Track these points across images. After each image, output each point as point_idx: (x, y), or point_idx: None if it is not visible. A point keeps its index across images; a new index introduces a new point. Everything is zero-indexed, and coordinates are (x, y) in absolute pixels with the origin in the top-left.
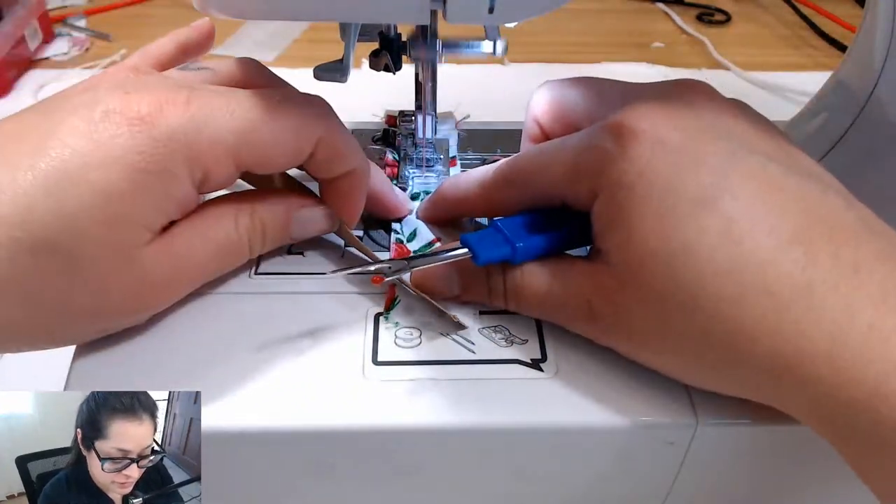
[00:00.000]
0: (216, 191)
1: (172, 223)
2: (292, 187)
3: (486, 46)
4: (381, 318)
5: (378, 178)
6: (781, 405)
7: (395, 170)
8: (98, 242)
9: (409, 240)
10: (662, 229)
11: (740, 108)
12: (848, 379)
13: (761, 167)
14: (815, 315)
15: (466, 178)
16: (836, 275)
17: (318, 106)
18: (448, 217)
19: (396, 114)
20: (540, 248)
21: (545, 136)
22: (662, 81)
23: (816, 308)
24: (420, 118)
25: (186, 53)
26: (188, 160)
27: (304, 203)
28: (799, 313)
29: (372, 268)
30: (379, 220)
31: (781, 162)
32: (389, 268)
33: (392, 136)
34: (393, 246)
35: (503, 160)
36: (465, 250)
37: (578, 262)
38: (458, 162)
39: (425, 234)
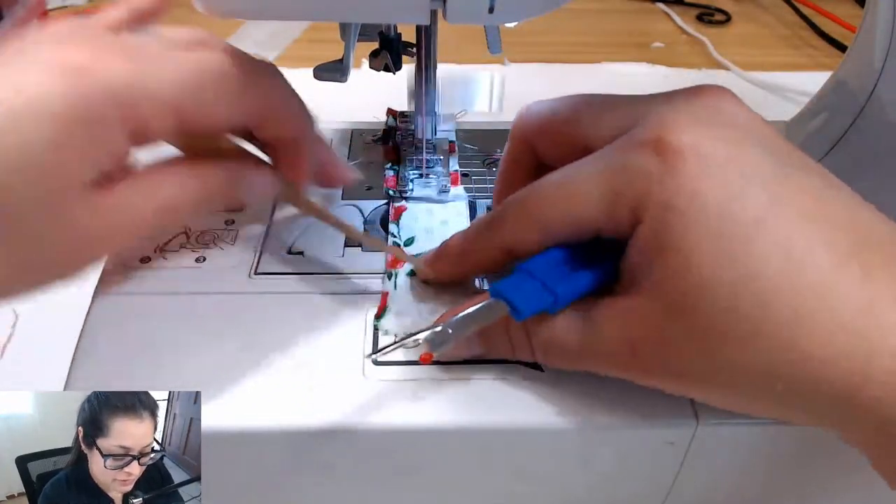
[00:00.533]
0: (154, 143)
1: (113, 178)
2: (240, 155)
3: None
4: (375, 327)
5: (321, 148)
6: (845, 430)
7: (395, 182)
8: (26, 195)
9: (407, 244)
10: (721, 254)
11: (759, 117)
12: None
13: (805, 179)
14: (880, 333)
15: (474, 226)
16: (892, 289)
17: (267, 69)
18: (459, 273)
19: (398, 113)
20: (580, 290)
21: (535, 160)
22: (680, 89)
23: (881, 326)
24: (419, 119)
25: (140, 21)
26: (124, 112)
27: (253, 167)
28: (864, 333)
29: (410, 340)
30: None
31: (817, 174)
32: (432, 340)
33: (392, 135)
34: (388, 257)
35: (511, 198)
36: (501, 303)
37: (609, 301)
38: (460, 177)
39: (424, 242)
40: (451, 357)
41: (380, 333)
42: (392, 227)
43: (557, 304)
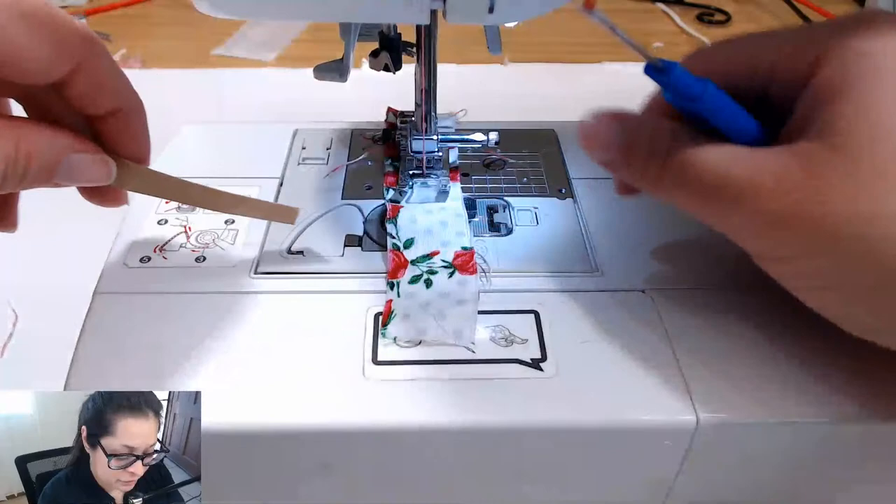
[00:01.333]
0: None
1: None
2: (73, 128)
3: (479, 136)
4: (380, 335)
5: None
6: None
7: (395, 180)
8: None
9: (406, 246)
10: None
11: None
12: None
13: None
14: None
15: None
16: None
17: (86, 31)
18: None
19: (399, 112)
20: (730, 107)
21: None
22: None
23: None
24: (419, 140)
25: None
26: None
27: (81, 145)
28: None
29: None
30: None
31: None
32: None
33: (392, 134)
34: (389, 254)
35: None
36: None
37: (766, 148)
38: (459, 175)
39: (423, 244)
40: (590, 146)
41: (385, 341)
42: (389, 227)
43: (707, 91)
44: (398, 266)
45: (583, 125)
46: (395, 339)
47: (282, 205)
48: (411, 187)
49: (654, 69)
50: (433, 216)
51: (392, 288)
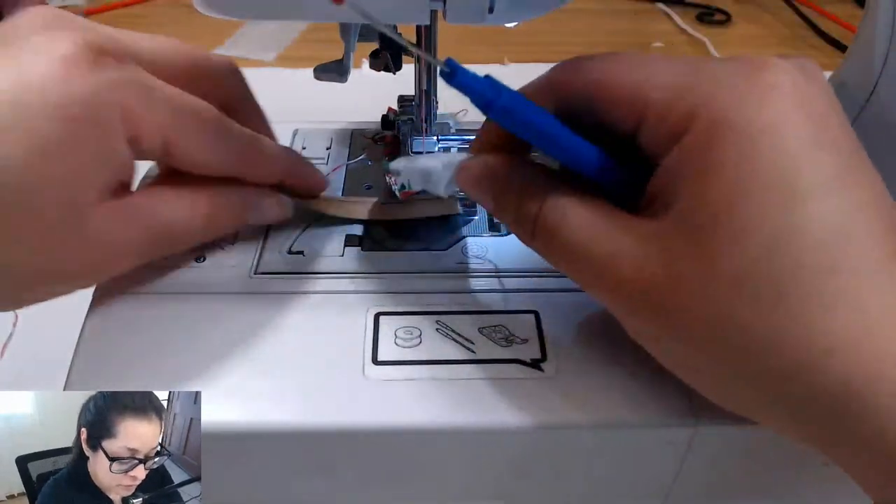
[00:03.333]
0: (142, 159)
1: (125, 191)
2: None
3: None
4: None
5: (286, 154)
6: (833, 444)
7: (394, 148)
8: (44, 199)
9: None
10: (774, 200)
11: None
12: None
13: (873, 176)
14: None
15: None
16: None
17: (251, 139)
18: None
19: (400, 99)
20: (552, 128)
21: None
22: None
23: None
24: (420, 140)
25: None
26: (124, 118)
27: (260, 192)
28: (885, 336)
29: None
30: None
31: (876, 177)
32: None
33: (393, 125)
34: (399, 195)
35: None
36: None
37: (632, 217)
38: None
39: (416, 180)
40: (470, 194)
41: (389, 179)
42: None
43: (499, 99)
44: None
45: (462, 165)
46: (398, 172)
47: (440, 199)
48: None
49: (443, 74)
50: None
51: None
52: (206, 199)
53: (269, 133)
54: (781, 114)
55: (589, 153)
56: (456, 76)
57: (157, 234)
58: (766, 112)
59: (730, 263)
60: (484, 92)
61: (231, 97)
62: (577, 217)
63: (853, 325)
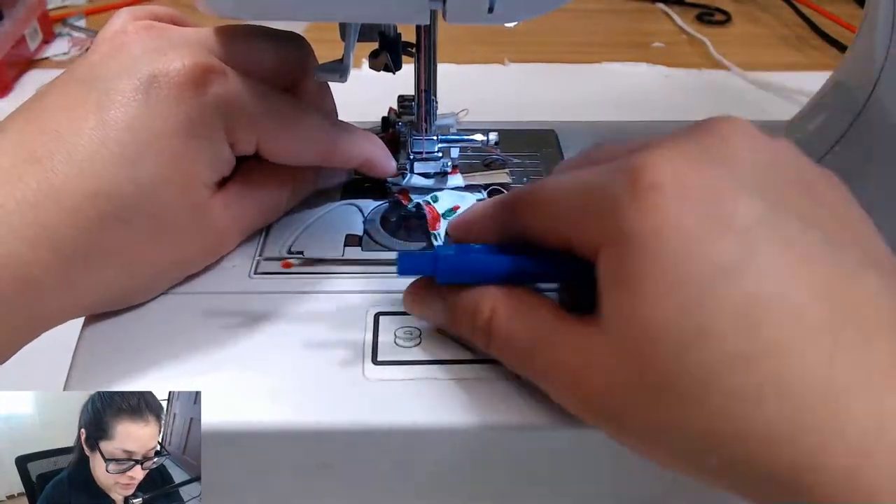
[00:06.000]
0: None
1: (225, 181)
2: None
3: (479, 136)
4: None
5: (370, 142)
6: None
7: (394, 148)
8: (174, 204)
9: (434, 201)
10: (675, 303)
11: (783, 150)
12: None
13: (797, 235)
14: (840, 424)
15: (488, 201)
16: (864, 375)
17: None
18: (467, 239)
19: (400, 98)
20: (485, 274)
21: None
22: (697, 122)
23: (842, 415)
24: (420, 140)
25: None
26: (226, 128)
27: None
28: (820, 421)
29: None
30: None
31: (821, 227)
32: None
33: (392, 123)
34: (426, 208)
35: (529, 184)
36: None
37: (577, 324)
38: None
39: (447, 200)
40: (420, 315)
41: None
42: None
43: (437, 271)
44: (434, 219)
45: (408, 291)
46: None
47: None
48: (411, 162)
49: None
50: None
51: (433, 239)
52: (289, 178)
53: (330, 101)
54: (661, 213)
55: (538, 269)
56: (401, 269)
57: (255, 213)
58: (647, 218)
59: (652, 371)
60: (424, 268)
61: (306, 72)
62: (525, 326)
63: (784, 415)
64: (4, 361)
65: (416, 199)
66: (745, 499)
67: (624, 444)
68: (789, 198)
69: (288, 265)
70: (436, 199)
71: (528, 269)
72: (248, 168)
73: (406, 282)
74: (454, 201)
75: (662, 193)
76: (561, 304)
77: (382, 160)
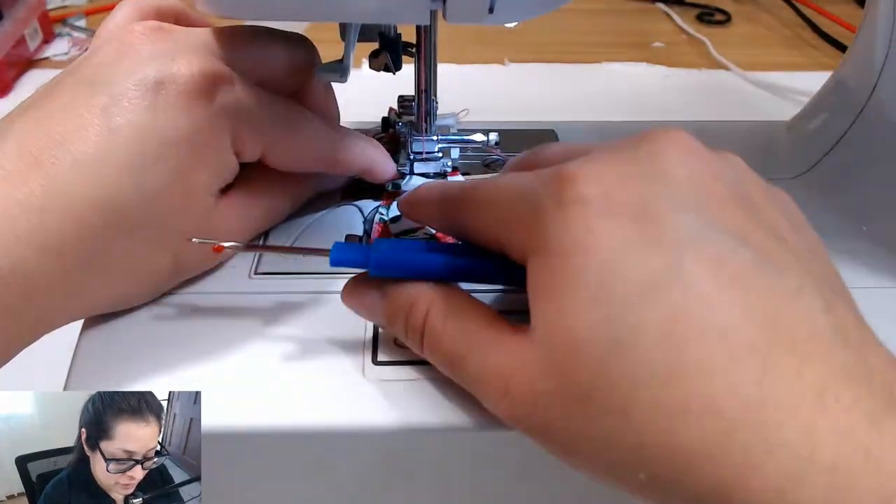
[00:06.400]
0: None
1: (227, 187)
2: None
3: (479, 136)
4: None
5: (371, 148)
6: None
7: (394, 148)
8: (177, 214)
9: (393, 222)
10: (596, 316)
11: (725, 166)
12: None
13: (729, 253)
14: (769, 445)
15: (436, 186)
16: (796, 397)
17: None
18: (413, 220)
19: (400, 99)
20: (419, 270)
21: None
22: (639, 133)
23: (771, 436)
24: (420, 140)
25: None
26: (232, 137)
27: (378, 151)
28: (749, 440)
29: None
30: (367, 185)
31: (757, 245)
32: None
33: (392, 123)
34: (376, 226)
35: (474, 179)
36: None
37: (509, 331)
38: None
39: (409, 222)
40: (355, 310)
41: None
42: (381, 207)
43: (369, 265)
44: (384, 234)
45: (348, 285)
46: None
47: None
48: (411, 163)
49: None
50: None
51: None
52: (291, 183)
53: (334, 103)
54: (585, 227)
55: (473, 270)
56: (334, 259)
57: (257, 219)
58: (571, 229)
59: (576, 382)
60: (358, 260)
61: (313, 74)
62: (458, 328)
63: (711, 433)
64: (3, 365)
65: (378, 216)
66: None
67: (556, 457)
68: (725, 215)
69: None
70: (399, 219)
71: (463, 269)
72: (249, 174)
73: None
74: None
75: (588, 206)
76: (500, 310)
77: (382, 167)
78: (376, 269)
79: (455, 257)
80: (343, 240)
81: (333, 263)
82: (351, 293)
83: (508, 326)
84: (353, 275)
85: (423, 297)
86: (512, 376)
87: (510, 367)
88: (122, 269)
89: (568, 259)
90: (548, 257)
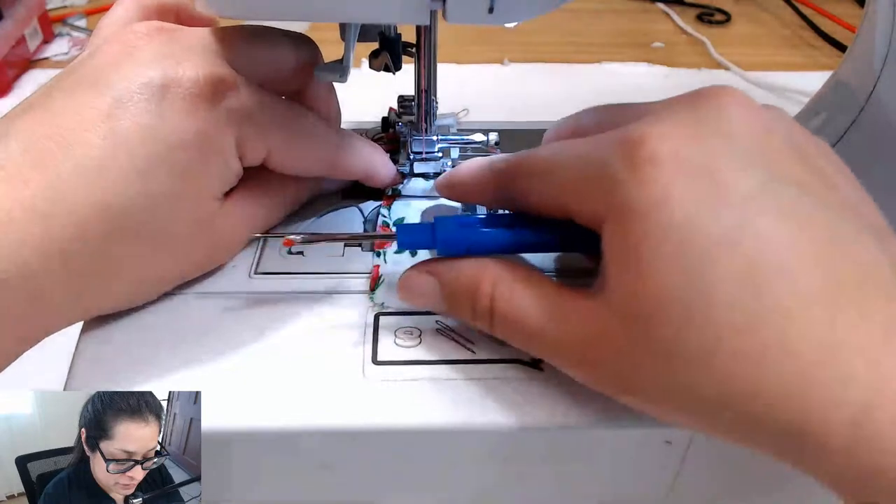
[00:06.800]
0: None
1: (231, 189)
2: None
3: (479, 136)
4: (370, 300)
5: (369, 153)
6: (805, 469)
7: (394, 148)
8: (183, 217)
9: (397, 223)
10: (678, 272)
11: (776, 119)
12: (879, 450)
13: (793, 202)
14: (843, 382)
15: (482, 162)
16: (864, 336)
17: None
18: (459, 199)
19: (400, 99)
20: (485, 244)
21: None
22: (689, 92)
23: (843, 373)
24: (420, 140)
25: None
26: (237, 141)
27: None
28: (824, 378)
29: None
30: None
31: (816, 193)
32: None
33: (392, 123)
34: (379, 228)
35: (524, 151)
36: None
37: (580, 297)
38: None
39: (414, 221)
40: (414, 302)
41: (375, 306)
42: (383, 209)
43: (436, 245)
44: (374, 280)
45: (402, 279)
46: (382, 303)
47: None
48: (411, 163)
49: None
50: (428, 203)
51: (378, 255)
52: (292, 186)
53: (336, 104)
54: (661, 187)
55: (540, 240)
56: (401, 242)
57: (259, 221)
58: (647, 190)
59: (659, 338)
60: (423, 239)
61: (310, 76)
62: (529, 305)
63: (790, 374)
64: (4, 368)
65: (381, 219)
66: (760, 452)
67: (637, 409)
68: (784, 166)
69: (289, 243)
70: (400, 222)
71: (529, 240)
72: (251, 176)
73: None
74: (405, 212)
75: (661, 167)
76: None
77: (382, 172)
78: (442, 246)
79: (520, 229)
80: (343, 242)
81: (401, 246)
82: (405, 285)
83: (575, 293)
84: (353, 275)
85: (487, 274)
86: (592, 339)
87: (590, 333)
88: (126, 273)
89: (647, 219)
90: (625, 219)
